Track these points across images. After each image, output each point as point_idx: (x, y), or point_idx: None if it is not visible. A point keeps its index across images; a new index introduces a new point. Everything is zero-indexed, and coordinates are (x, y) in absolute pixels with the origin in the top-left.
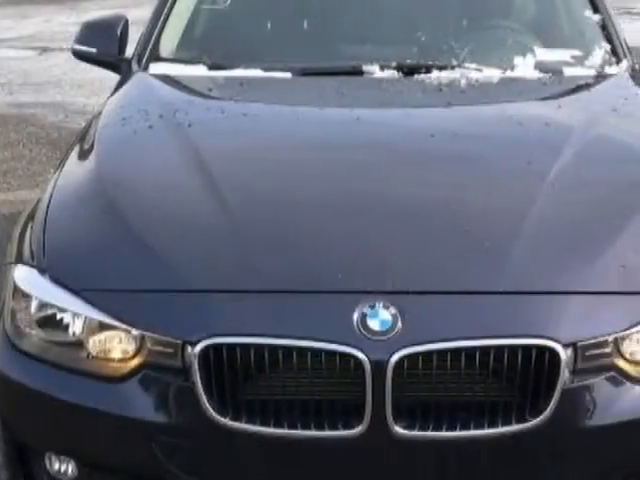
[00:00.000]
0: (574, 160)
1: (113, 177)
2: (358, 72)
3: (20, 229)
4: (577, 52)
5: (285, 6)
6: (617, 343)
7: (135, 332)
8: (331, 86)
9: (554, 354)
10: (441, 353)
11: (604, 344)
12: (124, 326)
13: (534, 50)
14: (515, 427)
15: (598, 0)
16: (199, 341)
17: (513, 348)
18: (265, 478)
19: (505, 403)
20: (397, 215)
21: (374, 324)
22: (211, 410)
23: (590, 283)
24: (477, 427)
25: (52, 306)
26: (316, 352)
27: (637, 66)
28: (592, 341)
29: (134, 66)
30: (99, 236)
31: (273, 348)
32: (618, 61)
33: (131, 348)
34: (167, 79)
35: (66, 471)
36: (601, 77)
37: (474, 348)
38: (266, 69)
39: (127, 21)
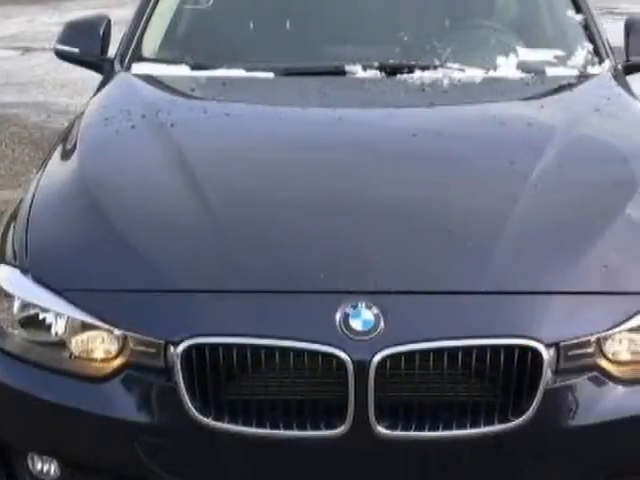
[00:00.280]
0: (556, 160)
1: (96, 177)
2: (341, 72)
3: (2, 229)
4: (560, 52)
5: (268, 6)
6: (600, 343)
7: (117, 332)
8: (314, 86)
9: (536, 354)
10: (423, 353)
11: (587, 344)
12: (106, 326)
13: (517, 50)
14: (497, 427)
15: (580, 0)
16: (181, 341)
17: (495, 348)
18: (247, 478)
19: (487, 403)
20: (380, 215)
21: (356, 324)
22: (193, 410)
23: (572, 283)
24: (459, 427)
25: (35, 306)
26: (298, 352)
27: (619, 66)
28: (575, 341)
29: (117, 66)
30: (82, 236)
31: (255, 348)
32: (600, 61)
33: (113, 348)
34: (150, 79)
35: (49, 471)
36: (583, 77)
37: (456, 348)
38: (249, 69)
39: (110, 21)
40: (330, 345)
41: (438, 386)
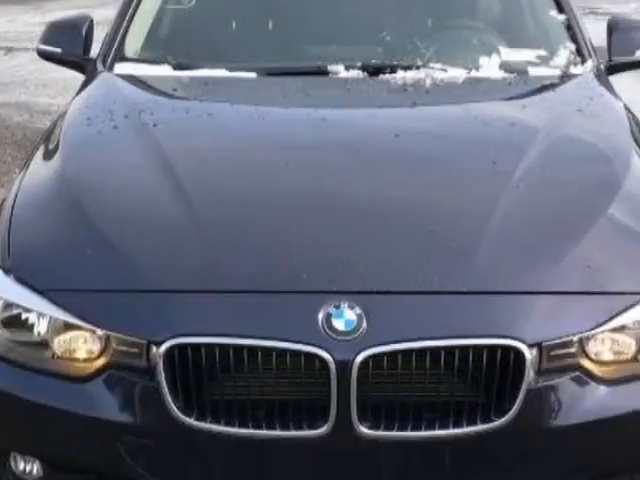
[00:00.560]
0: (539, 160)
1: (78, 177)
2: (323, 72)
3: None
4: (542, 52)
5: (250, 6)
6: (582, 343)
7: (100, 332)
8: (296, 86)
9: (519, 354)
10: (406, 353)
11: (569, 344)
12: (89, 326)
13: (499, 50)
14: (480, 427)
15: (563, 0)
16: (164, 341)
17: (478, 348)
18: (230, 478)
19: (470, 403)
20: (362, 215)
21: (339, 324)
22: (176, 410)
23: (555, 283)
24: (442, 427)
25: (17, 306)
26: (281, 352)
27: (602, 66)
28: (557, 341)
29: (99, 66)
30: (64, 236)
31: (238, 348)
32: (583, 61)
33: (96, 348)
34: (132, 79)
35: (31, 471)
36: (566, 77)
37: (439, 348)
38: (231, 69)
39: (92, 21)
40: (313, 345)
41: (421, 386)
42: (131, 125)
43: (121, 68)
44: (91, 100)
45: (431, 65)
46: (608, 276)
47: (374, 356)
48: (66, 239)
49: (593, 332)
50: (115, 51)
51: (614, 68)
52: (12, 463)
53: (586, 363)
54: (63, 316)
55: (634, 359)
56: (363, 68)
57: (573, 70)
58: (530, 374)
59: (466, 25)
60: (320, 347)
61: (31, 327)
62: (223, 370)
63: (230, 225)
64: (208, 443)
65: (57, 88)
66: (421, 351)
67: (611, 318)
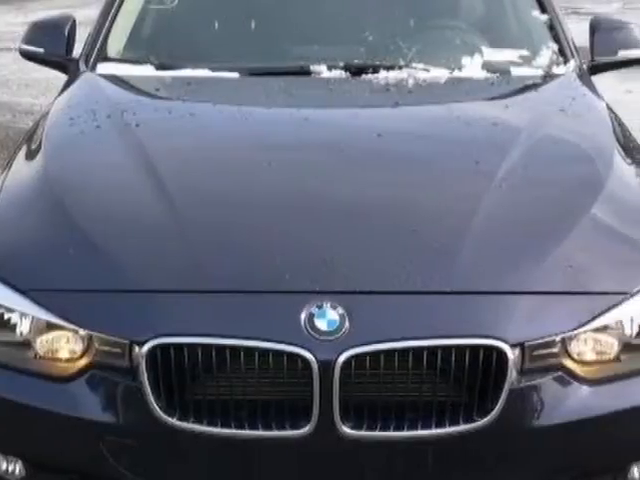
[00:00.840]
0: (522, 160)
1: (61, 177)
2: (306, 72)
3: None
4: (525, 52)
5: (233, 6)
6: (565, 343)
7: (82, 332)
8: (279, 86)
9: (501, 354)
10: (389, 353)
11: (552, 344)
12: (71, 326)
13: (482, 50)
14: (463, 427)
15: (545, 0)
16: (146, 341)
17: (461, 348)
18: (212, 478)
19: (453, 403)
20: (345, 215)
21: (322, 324)
22: (158, 410)
23: (538, 283)
24: (425, 427)
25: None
26: (263, 352)
27: (584, 66)
28: (540, 341)
29: (82, 66)
30: (47, 236)
31: (220, 348)
32: (566, 61)
33: (79, 348)
34: (115, 79)
35: (14, 471)
36: (549, 77)
37: (422, 348)
38: (214, 69)
39: (75, 21)
40: (295, 345)
41: (403, 386)
42: (114, 125)
43: (103, 68)
44: (73, 100)
45: (414, 65)
46: (591, 276)
47: (357, 356)
48: (49, 239)
49: (576, 332)
50: (97, 51)
51: (597, 68)
52: None
53: (569, 363)
54: (45, 316)
55: (616, 359)
56: (346, 68)
57: (555, 70)
58: (512, 374)
59: (448, 25)
60: (302, 347)
61: (13, 327)
62: (206, 370)
63: (212, 225)
64: (190, 443)
65: (39, 88)
66: (404, 351)
67: (594, 318)
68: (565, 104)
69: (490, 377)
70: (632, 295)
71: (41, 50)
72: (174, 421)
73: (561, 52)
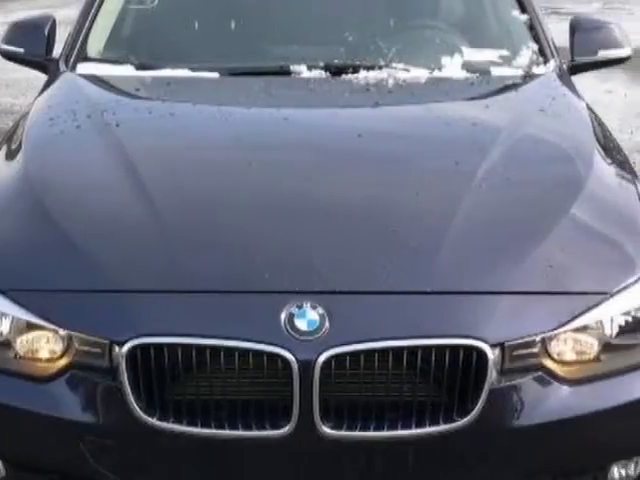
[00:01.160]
0: (501, 160)
1: (41, 177)
2: (286, 72)
3: None
4: (505, 52)
5: (212, 6)
6: (545, 343)
7: (62, 332)
8: (259, 86)
9: (481, 354)
10: (368, 353)
11: (532, 344)
12: (51, 326)
13: (461, 50)
14: (443, 427)
15: (526, 0)
16: (126, 341)
17: (441, 348)
18: (193, 478)
19: (433, 403)
20: (325, 215)
21: (302, 324)
22: (138, 410)
23: (518, 283)
24: (405, 427)
25: None
26: (243, 352)
27: (564, 66)
28: (520, 341)
29: (62, 66)
30: (27, 236)
31: (200, 348)
32: (546, 61)
33: (59, 348)
34: (95, 79)
35: None
36: (528, 77)
37: (402, 348)
38: (194, 69)
39: (55, 21)
40: (275, 345)
41: (383, 386)
42: (94, 125)
43: (84, 68)
44: (54, 100)
45: (393, 65)
46: (571, 276)
47: (336, 356)
48: (28, 239)
49: (555, 332)
50: (78, 51)
51: (577, 68)
52: None
53: (549, 363)
54: (25, 316)
55: (596, 359)
56: (326, 68)
57: (536, 70)
58: (492, 374)
59: (428, 25)
60: (282, 347)
61: None
62: (186, 370)
63: (192, 225)
64: (171, 443)
65: (20, 88)
66: (383, 351)
67: (573, 318)
68: (545, 104)
69: (470, 377)
70: (612, 295)
71: (21, 50)
72: (154, 421)
73: (541, 52)
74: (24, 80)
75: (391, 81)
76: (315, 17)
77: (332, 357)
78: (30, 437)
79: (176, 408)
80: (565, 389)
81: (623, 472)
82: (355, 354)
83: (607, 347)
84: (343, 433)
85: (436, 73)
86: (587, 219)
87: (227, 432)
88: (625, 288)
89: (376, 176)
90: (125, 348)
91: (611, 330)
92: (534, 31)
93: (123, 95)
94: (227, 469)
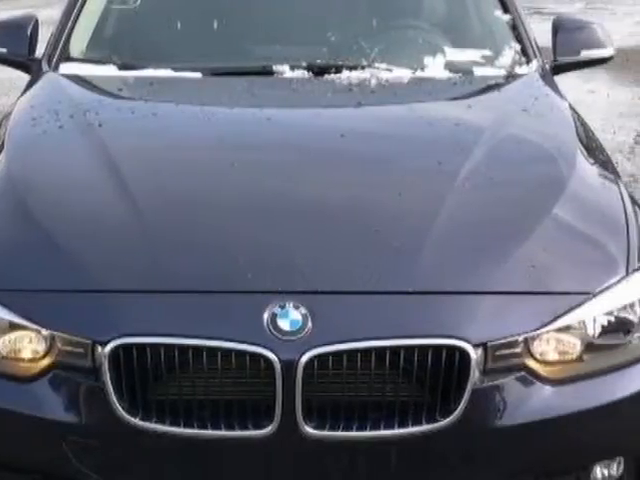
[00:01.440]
0: (484, 160)
1: (23, 177)
2: (268, 72)
3: None
4: (487, 52)
5: (195, 6)
6: (527, 343)
7: (45, 332)
8: (241, 86)
9: (464, 354)
10: (351, 353)
11: (514, 344)
12: (34, 326)
13: (444, 50)
14: (425, 427)
15: (508, 0)
16: (109, 341)
17: (423, 348)
18: (175, 478)
19: (415, 403)
20: (308, 215)
21: (284, 324)
22: (121, 410)
23: (500, 283)
24: (387, 427)
25: None
26: (226, 352)
27: (547, 66)
28: (502, 341)
29: (44, 66)
30: (9, 236)
31: (183, 348)
32: (528, 61)
33: (41, 348)
34: (77, 79)
35: None
36: (511, 77)
37: (384, 348)
38: (176, 69)
39: (37, 21)
40: (258, 345)
41: (366, 386)
42: (76, 125)
43: (66, 68)
44: (36, 100)
45: (376, 65)
46: (553, 276)
47: (319, 356)
48: (11, 239)
49: (538, 332)
50: (60, 51)
51: (559, 68)
52: None
53: (531, 363)
54: (8, 316)
55: (579, 359)
56: (308, 68)
57: (518, 70)
58: (475, 374)
59: (411, 25)
60: (265, 347)
61: None
62: (168, 370)
63: (175, 225)
64: (153, 443)
65: (2, 88)
66: (366, 351)
67: (556, 318)
68: (528, 104)
69: (453, 377)
70: (594, 295)
71: (4, 50)
72: (137, 421)
73: (524, 52)
74: (7, 80)
75: (374, 81)
76: (298, 17)
77: (315, 357)
78: (12, 437)
79: (159, 408)
80: (548, 389)
81: (606, 472)
82: (338, 354)
83: (590, 347)
84: (326, 433)
85: (419, 73)
86: (570, 219)
87: (210, 432)
88: (608, 288)
89: (359, 176)
90: (108, 348)
91: (594, 330)
92: (517, 31)
93: (106, 95)
94: (210, 469)
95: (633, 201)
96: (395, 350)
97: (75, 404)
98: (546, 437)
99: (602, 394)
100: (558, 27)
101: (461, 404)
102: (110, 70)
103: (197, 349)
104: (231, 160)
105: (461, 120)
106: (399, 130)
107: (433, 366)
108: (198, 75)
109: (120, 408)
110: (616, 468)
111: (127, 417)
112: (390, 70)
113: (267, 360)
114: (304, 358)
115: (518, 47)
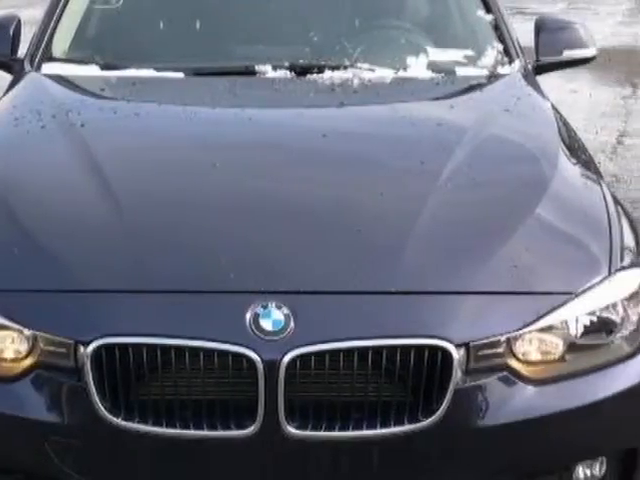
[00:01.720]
0: (467, 160)
1: (5, 177)
2: (251, 72)
3: None
4: (470, 52)
5: (177, 6)
6: (509, 343)
7: (27, 332)
8: (224, 86)
9: (446, 354)
10: (333, 353)
11: (496, 344)
12: (16, 326)
13: (427, 50)
14: (407, 427)
15: (491, 0)
16: (91, 341)
17: (405, 348)
18: (158, 478)
19: (398, 403)
20: (289, 215)
21: (267, 324)
22: (103, 410)
23: (482, 283)
24: (370, 427)
25: None
26: (208, 352)
27: (529, 66)
28: (484, 341)
29: (27, 66)
30: None
31: (165, 348)
32: (510, 61)
33: (24, 348)
34: (60, 79)
35: None
36: (493, 77)
37: (366, 348)
38: (159, 69)
39: (20, 21)
40: (240, 345)
41: (348, 386)
42: (59, 125)
43: (49, 68)
44: (18, 100)
45: (359, 65)
46: (535, 276)
47: (302, 356)
48: None
49: (520, 332)
50: (43, 51)
51: (542, 68)
52: None
53: (513, 363)
54: None
55: (561, 359)
56: (291, 68)
57: (500, 70)
58: (457, 374)
59: (393, 25)
60: (247, 347)
61: None
62: (151, 370)
63: (157, 225)
64: (136, 443)
65: None
66: (349, 351)
67: (538, 318)
68: (510, 104)
69: (435, 377)
70: (577, 295)
71: None
72: (119, 421)
73: (506, 52)
74: None
75: (356, 81)
76: (280, 17)
77: (297, 357)
78: None
79: (141, 408)
80: (530, 389)
81: (588, 472)
82: (320, 354)
83: (572, 347)
84: (308, 433)
85: (401, 73)
86: (552, 219)
87: (192, 432)
88: (590, 288)
89: (341, 176)
90: (90, 348)
91: (576, 330)
92: (499, 31)
93: (88, 95)
94: (192, 469)
95: (615, 201)
96: (377, 350)
97: (57, 404)
98: (528, 437)
99: (584, 394)
100: (540, 27)
101: (443, 404)
102: (92, 70)
103: (179, 349)
104: (213, 160)
105: (443, 120)
106: (381, 130)
107: (415, 366)
108: (180, 75)
109: (102, 408)
110: (599, 468)
111: (109, 417)
112: (373, 70)
113: (249, 360)
114: (286, 358)
115: (500, 47)
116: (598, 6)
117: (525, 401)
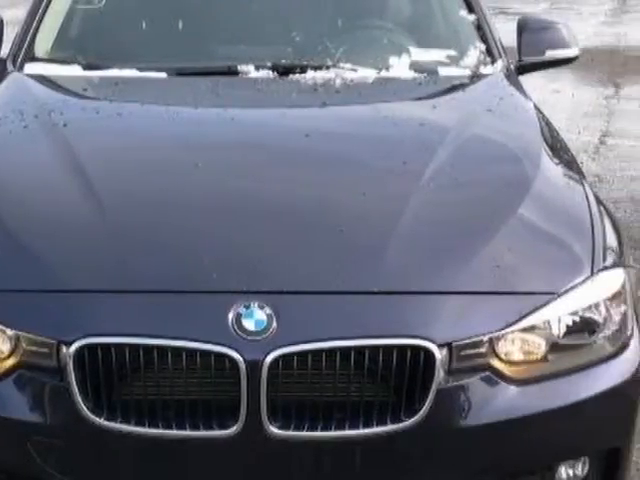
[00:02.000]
0: (449, 160)
1: None
2: (233, 72)
3: None
4: (452, 52)
5: (160, 6)
6: (492, 343)
7: (10, 332)
8: (206, 86)
9: (429, 354)
10: (316, 353)
11: (479, 344)
12: None
13: (409, 50)
14: (390, 427)
15: (473, 0)
16: (74, 341)
17: (388, 348)
18: (140, 478)
19: (380, 403)
20: (272, 215)
21: (249, 324)
22: (86, 410)
23: (465, 283)
24: (352, 427)
25: None
26: (191, 352)
27: (512, 66)
28: (467, 341)
29: (9, 66)
30: None
31: (148, 348)
32: (493, 61)
33: (6, 348)
34: (42, 79)
35: None
36: (476, 77)
37: (349, 348)
38: (141, 69)
39: (2, 21)
40: (222, 345)
41: (331, 386)
42: (41, 125)
43: (31, 68)
44: (1, 100)
45: (341, 65)
46: (518, 276)
47: (284, 356)
48: None
49: (503, 332)
50: (25, 51)
51: (524, 68)
52: None
53: (496, 363)
54: None
55: (544, 359)
56: (273, 68)
57: (483, 70)
58: (440, 374)
59: (376, 25)
60: (230, 347)
61: None
62: (133, 370)
63: (140, 225)
64: (118, 443)
65: None
66: (331, 351)
67: (521, 318)
68: (492, 104)
69: (417, 377)
70: (559, 295)
71: None
72: (101, 421)
73: (489, 52)
74: None
75: (339, 81)
76: (262, 17)
77: (280, 357)
78: None
79: (124, 408)
80: (512, 389)
81: (571, 472)
82: (303, 354)
83: (554, 347)
84: (291, 433)
85: (384, 73)
86: (535, 219)
87: (175, 432)
88: (572, 288)
89: (324, 176)
90: (72, 348)
91: (558, 330)
92: (482, 31)
93: (71, 95)
94: (175, 469)
95: (598, 201)
96: (360, 350)
97: (40, 404)
98: (511, 437)
99: (567, 394)
100: (523, 27)
101: (426, 404)
102: (75, 70)
103: (162, 349)
104: (196, 160)
105: (426, 120)
106: (364, 130)
107: (398, 366)
108: (163, 75)
109: (85, 408)
110: (581, 468)
111: (92, 417)
112: (355, 70)
113: (232, 360)
114: (269, 358)
115: (483, 47)
116: (581, 6)
117: (508, 401)
